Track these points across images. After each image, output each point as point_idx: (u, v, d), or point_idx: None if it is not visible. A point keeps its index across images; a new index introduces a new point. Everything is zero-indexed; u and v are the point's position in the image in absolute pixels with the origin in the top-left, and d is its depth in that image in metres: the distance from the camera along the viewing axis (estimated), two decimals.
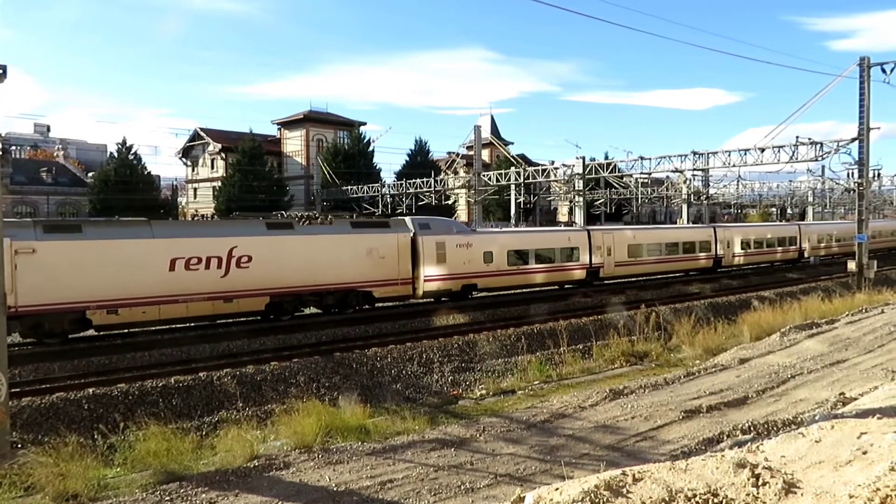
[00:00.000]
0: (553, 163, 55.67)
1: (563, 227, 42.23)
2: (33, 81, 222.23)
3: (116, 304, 18.83)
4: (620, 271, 33.16)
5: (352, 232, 23.53)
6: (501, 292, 28.79)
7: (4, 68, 10.46)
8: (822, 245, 48.05)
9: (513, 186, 57.84)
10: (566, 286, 31.13)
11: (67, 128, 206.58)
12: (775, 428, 10.46)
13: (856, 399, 11.82)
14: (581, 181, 47.00)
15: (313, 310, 23.93)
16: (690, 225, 50.60)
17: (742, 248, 40.40)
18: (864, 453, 5.58)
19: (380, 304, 25.56)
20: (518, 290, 29.68)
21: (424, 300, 26.42)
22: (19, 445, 11.47)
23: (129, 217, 25.89)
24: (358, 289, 23.56)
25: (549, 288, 30.65)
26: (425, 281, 25.01)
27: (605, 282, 32.66)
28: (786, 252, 44.38)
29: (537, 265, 29.18)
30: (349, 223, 24.17)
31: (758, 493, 4.84)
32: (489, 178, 55.77)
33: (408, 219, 25.98)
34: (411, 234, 24.94)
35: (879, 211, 79.27)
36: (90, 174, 68.51)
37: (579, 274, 31.04)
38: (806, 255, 46.06)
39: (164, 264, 19.57)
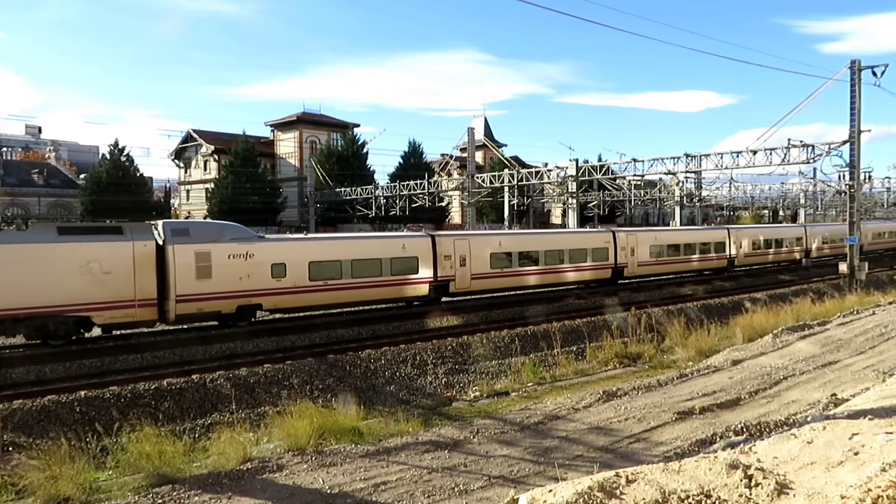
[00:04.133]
0: (546, 165, 55.88)
1: (396, 233, 35.16)
2: (24, 83, 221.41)
3: None
4: (480, 285, 27.50)
5: (56, 240, 18.36)
6: (310, 312, 23.94)
7: None
8: (759, 251, 42.43)
9: (506, 188, 57.94)
10: (415, 303, 26.29)
11: (58, 129, 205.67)
12: (768, 429, 10.51)
13: (847, 400, 11.89)
14: (574, 183, 47.12)
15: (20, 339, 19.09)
16: (585, 229, 43.88)
17: (652, 256, 34.76)
18: (856, 454, 5.61)
19: (377, 307, 25.58)
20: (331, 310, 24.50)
21: (180, 325, 21.11)
22: (11, 448, 11.41)
23: (122, 219, 25.53)
24: (66, 314, 18.30)
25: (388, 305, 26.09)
26: (179, 302, 19.74)
27: (460, 298, 27.42)
28: (710, 260, 38.79)
29: (356, 279, 23.56)
30: (55, 228, 19.27)
31: (750, 494, 4.86)
32: (483, 181, 55.84)
33: (160, 223, 20.85)
34: (157, 242, 19.86)
35: (870, 213, 79.72)
36: (82, 176, 68.22)
37: (421, 289, 25.61)
38: (737, 263, 40.59)
39: None
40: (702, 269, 38.74)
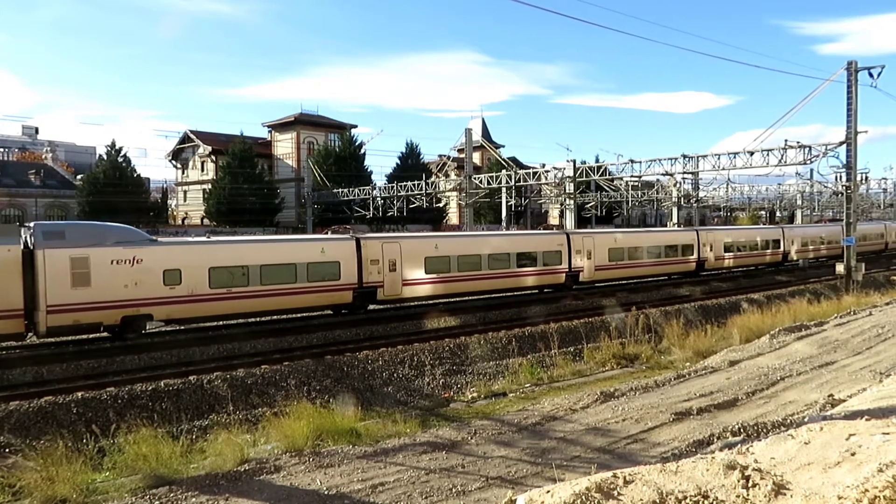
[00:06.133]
0: (544, 165, 55.78)
1: (315, 236, 32.93)
2: (20, 83, 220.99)
3: None
4: (412, 292, 25.53)
5: None
6: (219, 322, 21.93)
7: None
8: (731, 254, 40.68)
9: (504, 189, 57.94)
10: (343, 311, 24.42)
11: (55, 130, 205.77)
12: (765, 430, 10.52)
13: (844, 401, 11.90)
14: (572, 184, 47.15)
15: None
16: (537, 231, 41.66)
17: (612, 259, 33.19)
18: (853, 454, 5.63)
19: (372, 307, 25.43)
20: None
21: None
22: (7, 449, 11.38)
23: (120, 220, 25.43)
24: None
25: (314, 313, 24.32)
26: (50, 313, 17.87)
27: (388, 307, 25.62)
28: (677, 264, 36.91)
29: (266, 286, 21.61)
30: None
31: (748, 495, 4.87)
32: (480, 181, 55.80)
33: (32, 224, 19.18)
34: (26, 247, 18.08)
35: (867, 214, 79.94)
36: (79, 176, 68.08)
37: (344, 297, 23.70)
38: (707, 266, 38.63)
39: None
40: (668, 273, 36.78)
